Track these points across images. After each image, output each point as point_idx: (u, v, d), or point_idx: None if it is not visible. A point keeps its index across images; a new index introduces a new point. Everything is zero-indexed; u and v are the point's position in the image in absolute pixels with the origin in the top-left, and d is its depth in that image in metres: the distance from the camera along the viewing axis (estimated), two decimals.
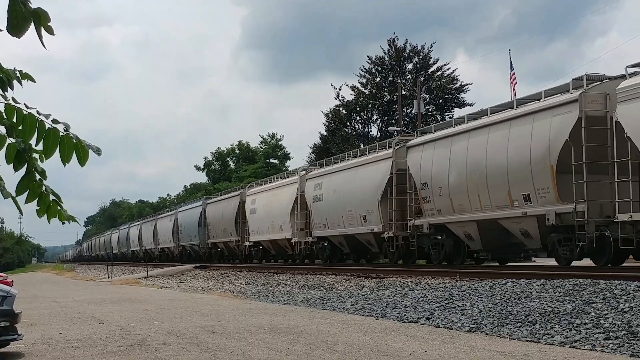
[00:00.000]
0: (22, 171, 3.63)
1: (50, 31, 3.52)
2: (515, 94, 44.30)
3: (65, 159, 3.65)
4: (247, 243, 47.41)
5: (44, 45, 3.51)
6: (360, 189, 31.76)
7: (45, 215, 3.79)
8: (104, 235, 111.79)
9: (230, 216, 50.10)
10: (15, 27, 3.43)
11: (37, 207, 3.75)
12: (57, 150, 3.65)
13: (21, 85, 3.80)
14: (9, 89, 3.69)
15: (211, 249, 55.21)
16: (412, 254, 28.99)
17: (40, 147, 3.65)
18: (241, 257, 49.42)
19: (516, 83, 45.32)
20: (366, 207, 30.51)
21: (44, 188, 3.70)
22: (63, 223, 3.91)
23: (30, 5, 3.44)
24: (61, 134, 3.65)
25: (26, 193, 3.67)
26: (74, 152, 3.68)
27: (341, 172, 34.63)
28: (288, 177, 44.20)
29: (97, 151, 3.74)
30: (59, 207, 3.80)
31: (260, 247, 45.90)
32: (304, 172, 40.68)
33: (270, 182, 46.79)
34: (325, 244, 36.36)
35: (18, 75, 3.78)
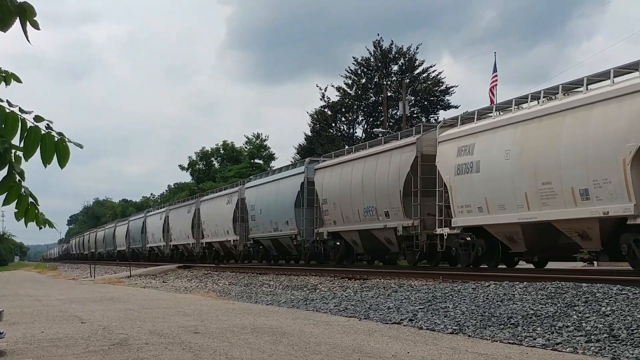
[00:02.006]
0: (4, 172, 3.61)
1: (35, 26, 3.51)
2: (493, 97, 44.20)
3: (46, 160, 3.63)
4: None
5: (28, 40, 3.50)
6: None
7: (24, 219, 3.77)
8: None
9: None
10: (1, 21, 3.41)
11: (16, 210, 3.73)
12: (38, 150, 3.63)
13: (7, 85, 3.78)
14: None
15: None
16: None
17: (21, 146, 3.63)
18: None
19: (496, 85, 45.22)
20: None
21: (22, 190, 3.68)
22: (40, 228, 3.89)
23: None
24: (43, 132, 3.63)
25: (5, 195, 3.65)
26: (55, 153, 3.66)
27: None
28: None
29: (79, 145, 3.73)
30: (36, 211, 3.78)
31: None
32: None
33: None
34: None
35: (4, 75, 3.77)
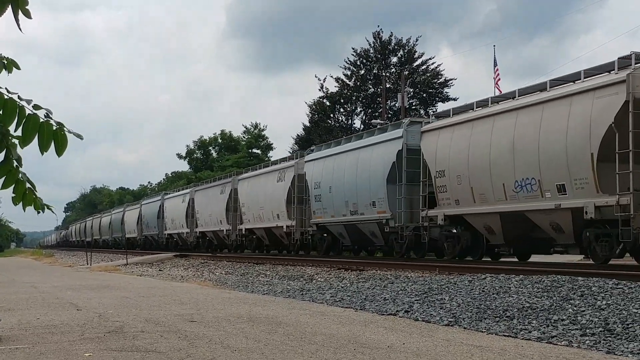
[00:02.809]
0: (0, 157, 3.60)
1: (27, 14, 3.49)
2: (500, 91, 44.24)
3: (43, 147, 3.62)
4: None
5: (20, 29, 3.48)
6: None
7: (21, 203, 3.76)
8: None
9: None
10: None
11: (13, 195, 3.72)
12: (36, 137, 3.63)
13: (8, 72, 3.77)
14: None
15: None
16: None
17: (19, 133, 3.62)
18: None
19: (499, 79, 45.24)
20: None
21: (20, 175, 3.68)
22: (38, 212, 3.88)
23: None
24: (41, 120, 3.62)
25: (2, 179, 3.64)
26: (52, 141, 3.65)
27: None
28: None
29: (78, 136, 3.72)
30: (34, 196, 3.77)
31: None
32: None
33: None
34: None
35: (5, 63, 3.75)
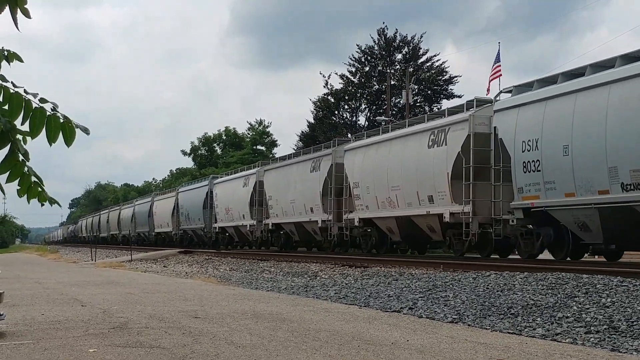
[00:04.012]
0: (5, 151, 3.60)
1: (26, 14, 3.48)
2: (491, 87, 43.58)
3: (51, 139, 3.62)
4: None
5: (17, 28, 3.48)
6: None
7: (26, 196, 3.76)
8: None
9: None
10: None
11: (18, 187, 3.72)
12: (44, 130, 3.62)
13: (9, 64, 3.77)
14: None
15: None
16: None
17: (26, 127, 3.62)
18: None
19: (500, 75, 44.22)
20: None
21: (26, 169, 3.67)
22: (42, 205, 3.88)
23: None
24: (48, 113, 3.62)
25: (7, 173, 3.64)
26: (60, 132, 3.65)
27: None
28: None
29: (85, 131, 3.72)
30: (39, 189, 3.76)
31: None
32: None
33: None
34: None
35: (6, 54, 3.75)
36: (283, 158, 43.29)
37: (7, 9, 3.43)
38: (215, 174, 63.25)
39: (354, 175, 31.92)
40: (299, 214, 37.24)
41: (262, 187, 42.96)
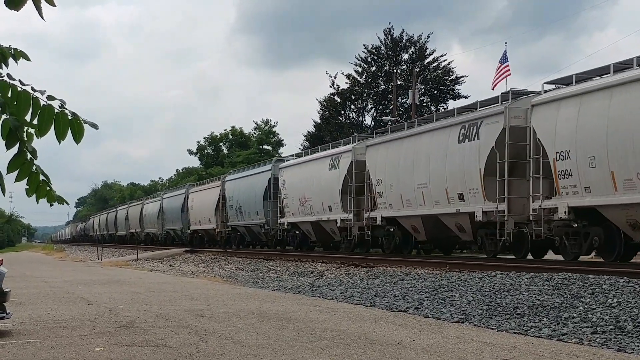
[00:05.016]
0: (14, 150, 3.60)
1: (50, 2, 3.49)
2: (495, 86, 43.02)
3: (60, 136, 3.62)
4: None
5: (42, 17, 3.48)
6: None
7: (34, 195, 3.76)
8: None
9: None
10: (12, 2, 3.40)
11: (27, 187, 3.72)
12: (52, 127, 3.63)
13: (17, 63, 3.77)
14: (3, 66, 3.67)
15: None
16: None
17: (35, 124, 3.63)
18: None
19: (509, 74, 43.71)
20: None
21: (34, 167, 3.68)
22: (51, 204, 3.87)
23: None
24: (56, 110, 3.62)
25: (16, 172, 3.64)
26: (69, 129, 3.65)
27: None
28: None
29: (94, 126, 3.72)
30: (48, 188, 3.77)
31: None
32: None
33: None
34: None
35: (13, 52, 3.75)
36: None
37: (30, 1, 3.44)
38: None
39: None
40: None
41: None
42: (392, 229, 30.01)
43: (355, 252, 32.43)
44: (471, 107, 26.90)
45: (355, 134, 36.37)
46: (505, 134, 22.62)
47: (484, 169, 23.48)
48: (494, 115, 23.45)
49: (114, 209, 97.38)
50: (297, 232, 38.62)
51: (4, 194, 3.66)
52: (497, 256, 24.51)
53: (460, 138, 24.85)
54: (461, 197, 24.67)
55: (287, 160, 42.15)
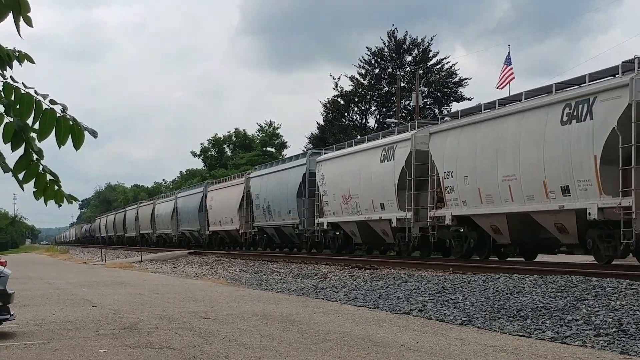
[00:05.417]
0: (20, 151, 3.62)
1: (29, 22, 3.51)
2: (502, 87, 42.99)
3: (60, 141, 3.64)
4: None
5: (20, 35, 3.51)
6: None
7: (42, 198, 3.76)
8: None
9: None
10: None
11: (35, 189, 3.73)
12: (53, 131, 3.64)
13: (20, 65, 3.79)
14: (7, 68, 3.68)
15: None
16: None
17: (36, 127, 3.64)
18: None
19: (513, 78, 43.57)
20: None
21: (40, 168, 3.69)
22: (59, 205, 3.87)
23: None
24: (58, 115, 3.64)
25: (23, 173, 3.65)
26: (70, 135, 3.66)
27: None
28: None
29: (93, 133, 3.73)
30: (56, 187, 3.77)
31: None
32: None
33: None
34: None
35: (17, 55, 3.77)
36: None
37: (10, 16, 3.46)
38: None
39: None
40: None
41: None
42: (461, 230, 25.92)
43: (409, 257, 28.51)
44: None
45: (415, 120, 32.03)
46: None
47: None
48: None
49: (123, 209, 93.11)
50: (338, 233, 34.44)
51: (22, 188, 3.67)
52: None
53: (565, 119, 20.37)
54: (566, 190, 20.24)
55: (324, 153, 37.01)
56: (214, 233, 51.49)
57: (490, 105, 24.25)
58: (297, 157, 41.17)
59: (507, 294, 12.21)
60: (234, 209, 46.38)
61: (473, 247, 25.13)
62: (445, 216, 25.22)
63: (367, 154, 30.96)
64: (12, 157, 3.62)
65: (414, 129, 28.30)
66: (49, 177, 3.72)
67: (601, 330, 8.57)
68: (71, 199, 3.87)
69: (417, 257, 28.42)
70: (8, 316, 8.77)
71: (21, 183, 3.66)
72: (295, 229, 37.72)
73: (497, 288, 13.01)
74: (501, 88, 41.50)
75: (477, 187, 23.54)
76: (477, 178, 23.53)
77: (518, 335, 8.64)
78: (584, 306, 10.29)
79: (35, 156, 3.65)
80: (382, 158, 29.46)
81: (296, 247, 40.79)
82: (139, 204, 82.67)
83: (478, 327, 9.36)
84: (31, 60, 3.82)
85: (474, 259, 24.70)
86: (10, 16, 3.47)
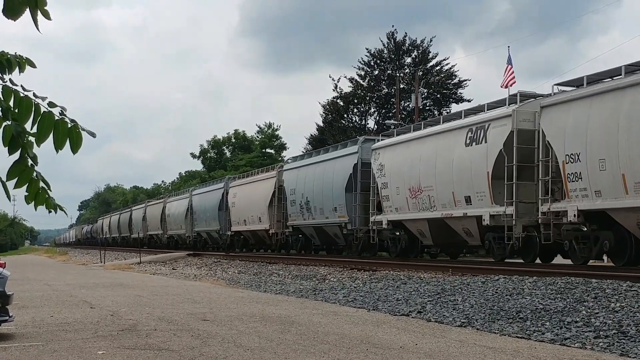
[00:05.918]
0: (15, 156, 3.61)
1: (47, 15, 3.50)
2: (507, 87, 42.79)
3: (58, 145, 3.63)
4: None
5: (38, 30, 3.49)
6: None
7: (33, 202, 3.76)
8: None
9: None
10: (11, 10, 3.41)
11: (26, 193, 3.72)
12: (51, 135, 3.63)
13: (22, 71, 3.77)
14: (7, 72, 3.67)
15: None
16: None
17: (34, 131, 3.63)
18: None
19: (514, 82, 43.26)
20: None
21: (34, 174, 3.68)
22: (50, 212, 3.88)
23: None
24: (56, 118, 3.63)
25: (16, 179, 3.64)
26: (67, 139, 3.65)
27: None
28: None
29: (92, 134, 3.72)
30: (47, 196, 3.77)
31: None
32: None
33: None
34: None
35: (18, 61, 3.76)
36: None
37: (27, 11, 3.45)
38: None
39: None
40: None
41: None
42: (585, 228, 20.58)
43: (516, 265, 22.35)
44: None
45: (511, 94, 24.87)
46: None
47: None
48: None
49: (128, 209, 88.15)
50: (398, 233, 29.62)
51: (9, 199, 3.67)
52: (505, 260, 23.44)
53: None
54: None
55: (380, 140, 31.29)
56: (236, 234, 47.11)
57: (626, 69, 19.25)
58: (344, 144, 35.73)
59: (506, 295, 12.20)
60: (262, 206, 41.70)
61: (610, 248, 19.62)
62: (566, 211, 20.19)
63: (445, 137, 26.12)
64: (8, 161, 3.62)
65: (517, 102, 23.25)
66: (41, 184, 3.71)
67: (601, 332, 8.56)
68: (58, 208, 3.87)
69: (416, 259, 28.37)
70: (7, 317, 8.75)
71: (9, 192, 3.64)
72: (343, 228, 32.74)
73: (497, 290, 13.00)
74: (504, 87, 41.40)
75: (614, 172, 18.62)
76: (619, 160, 18.49)
77: (517, 337, 8.62)
78: (583, 308, 10.28)
79: (30, 162, 3.63)
80: (468, 140, 24.53)
81: (344, 250, 36.21)
82: (147, 203, 77.99)
83: (477, 329, 9.35)
84: (32, 65, 3.81)
85: (487, 260, 25.20)
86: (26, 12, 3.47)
